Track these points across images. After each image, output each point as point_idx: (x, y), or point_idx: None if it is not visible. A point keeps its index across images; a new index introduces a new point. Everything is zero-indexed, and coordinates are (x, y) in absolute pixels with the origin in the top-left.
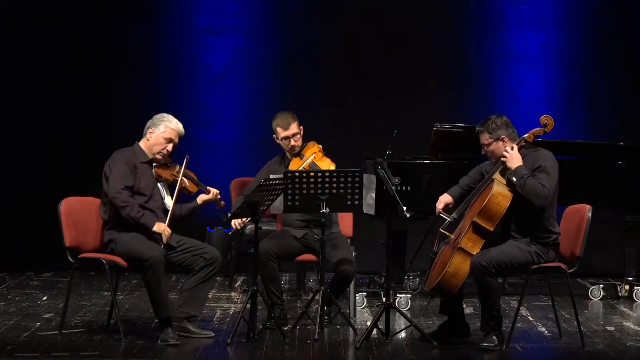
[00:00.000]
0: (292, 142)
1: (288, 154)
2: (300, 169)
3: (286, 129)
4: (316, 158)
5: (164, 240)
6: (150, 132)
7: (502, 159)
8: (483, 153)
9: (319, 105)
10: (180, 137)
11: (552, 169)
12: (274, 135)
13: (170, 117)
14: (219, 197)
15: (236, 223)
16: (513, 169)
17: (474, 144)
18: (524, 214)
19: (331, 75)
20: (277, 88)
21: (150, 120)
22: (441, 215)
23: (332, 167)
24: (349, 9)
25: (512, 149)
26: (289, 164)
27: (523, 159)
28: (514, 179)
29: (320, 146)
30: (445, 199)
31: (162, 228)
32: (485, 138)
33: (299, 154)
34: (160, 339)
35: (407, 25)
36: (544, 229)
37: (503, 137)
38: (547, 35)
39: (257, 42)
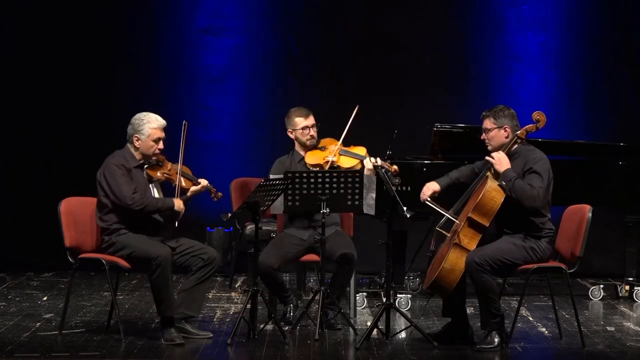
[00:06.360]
0: (312, 132)
1: (302, 148)
2: (331, 158)
3: (306, 117)
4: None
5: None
6: (136, 140)
7: (490, 160)
8: (482, 137)
9: (319, 105)
10: (166, 128)
11: (543, 171)
12: (289, 130)
13: (149, 117)
14: (212, 187)
15: None
16: (501, 172)
17: (474, 144)
18: (517, 210)
19: (331, 76)
20: (277, 88)
21: (130, 126)
22: (427, 202)
23: (364, 151)
24: (349, 9)
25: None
26: (300, 159)
27: (516, 156)
28: (503, 183)
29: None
30: (432, 187)
31: (178, 204)
32: (489, 122)
33: (316, 147)
34: (164, 338)
35: (408, 25)
36: (537, 224)
37: (506, 126)
38: (547, 35)
39: (257, 42)
